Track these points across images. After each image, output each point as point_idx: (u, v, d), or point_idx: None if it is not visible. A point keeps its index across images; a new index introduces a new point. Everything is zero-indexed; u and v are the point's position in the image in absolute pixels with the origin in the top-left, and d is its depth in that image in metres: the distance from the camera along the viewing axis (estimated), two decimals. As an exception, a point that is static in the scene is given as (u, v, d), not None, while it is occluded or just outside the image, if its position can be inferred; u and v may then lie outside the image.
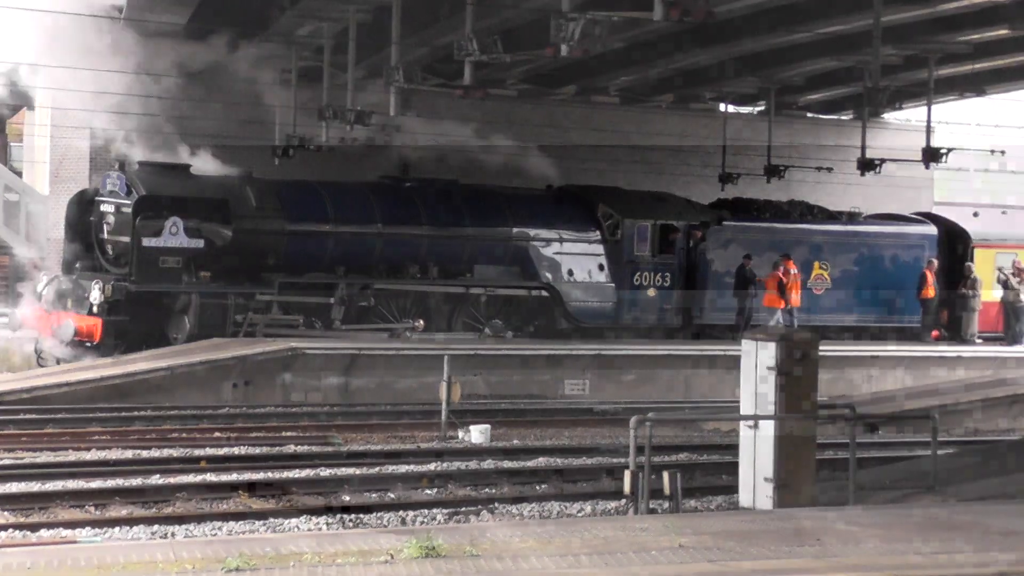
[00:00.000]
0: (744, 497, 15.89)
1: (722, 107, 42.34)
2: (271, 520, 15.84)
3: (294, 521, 15.87)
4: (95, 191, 29.61)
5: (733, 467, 16.86)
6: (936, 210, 41.42)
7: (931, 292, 35.02)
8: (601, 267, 32.13)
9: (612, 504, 17.21)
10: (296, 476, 18.40)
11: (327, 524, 15.85)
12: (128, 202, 28.05)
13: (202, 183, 29.15)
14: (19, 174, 37.25)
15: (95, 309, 27.49)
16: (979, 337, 35.47)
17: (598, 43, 22.74)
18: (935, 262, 35.21)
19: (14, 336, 29.60)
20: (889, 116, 43.68)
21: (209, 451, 20.49)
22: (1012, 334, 35.41)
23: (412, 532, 13.16)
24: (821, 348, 16.55)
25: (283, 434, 22.48)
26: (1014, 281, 35.43)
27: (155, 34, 30.43)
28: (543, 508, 17.16)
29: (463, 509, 16.89)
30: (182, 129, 30.60)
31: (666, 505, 15.47)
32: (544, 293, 31.60)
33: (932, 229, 36.28)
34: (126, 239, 28.05)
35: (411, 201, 30.84)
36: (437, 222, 30.72)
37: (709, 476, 19.42)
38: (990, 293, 35.96)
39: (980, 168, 54.60)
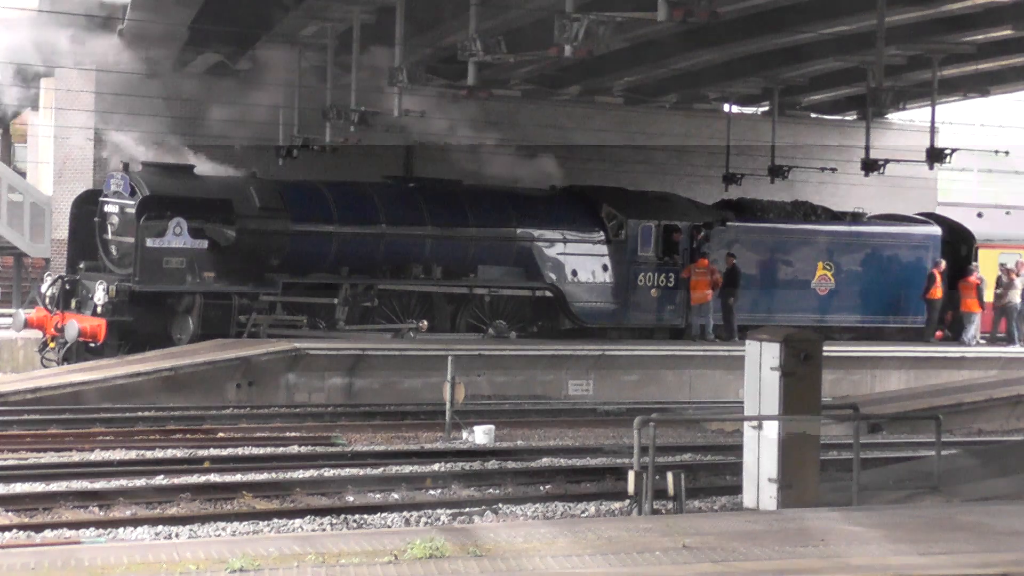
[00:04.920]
0: (748, 498, 15.89)
1: (726, 107, 42.34)
2: (275, 521, 15.84)
3: (298, 522, 15.87)
4: (99, 191, 29.62)
5: (737, 468, 16.87)
6: (940, 210, 41.38)
7: (938, 293, 34.96)
8: (605, 267, 32.10)
9: (616, 505, 17.21)
10: (300, 477, 18.41)
11: (331, 525, 15.85)
12: (132, 203, 28.03)
13: (206, 183, 29.14)
14: (23, 175, 37.29)
15: (99, 310, 27.50)
16: (982, 337, 35.43)
17: (602, 43, 22.73)
18: (943, 263, 35.13)
19: (18, 336, 29.62)
20: (893, 116, 43.68)
21: (213, 452, 20.49)
22: (1010, 335, 35.34)
23: (416, 533, 13.19)
24: (825, 348, 16.56)
25: (287, 435, 22.49)
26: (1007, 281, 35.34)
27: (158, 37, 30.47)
28: (547, 508, 17.16)
29: (467, 510, 16.87)
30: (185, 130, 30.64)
31: (670, 506, 15.48)
32: (548, 293, 31.57)
33: (936, 230, 36.23)
34: (130, 240, 28.03)
35: (415, 201, 30.82)
36: (441, 222, 30.68)
37: (713, 477, 19.41)
38: (992, 293, 35.93)
39: (984, 169, 54.60)
